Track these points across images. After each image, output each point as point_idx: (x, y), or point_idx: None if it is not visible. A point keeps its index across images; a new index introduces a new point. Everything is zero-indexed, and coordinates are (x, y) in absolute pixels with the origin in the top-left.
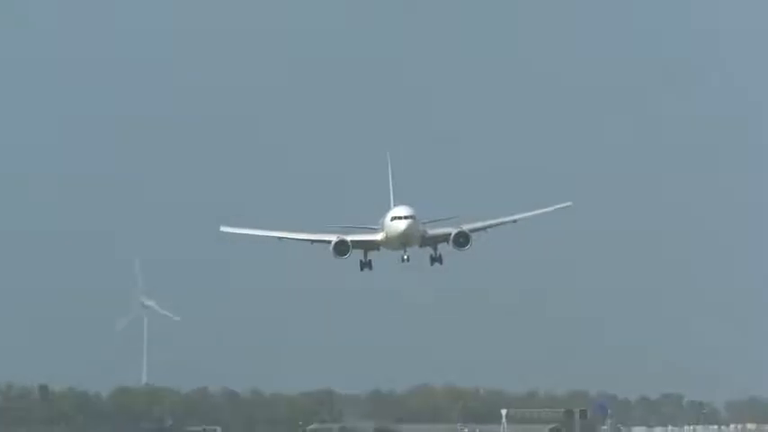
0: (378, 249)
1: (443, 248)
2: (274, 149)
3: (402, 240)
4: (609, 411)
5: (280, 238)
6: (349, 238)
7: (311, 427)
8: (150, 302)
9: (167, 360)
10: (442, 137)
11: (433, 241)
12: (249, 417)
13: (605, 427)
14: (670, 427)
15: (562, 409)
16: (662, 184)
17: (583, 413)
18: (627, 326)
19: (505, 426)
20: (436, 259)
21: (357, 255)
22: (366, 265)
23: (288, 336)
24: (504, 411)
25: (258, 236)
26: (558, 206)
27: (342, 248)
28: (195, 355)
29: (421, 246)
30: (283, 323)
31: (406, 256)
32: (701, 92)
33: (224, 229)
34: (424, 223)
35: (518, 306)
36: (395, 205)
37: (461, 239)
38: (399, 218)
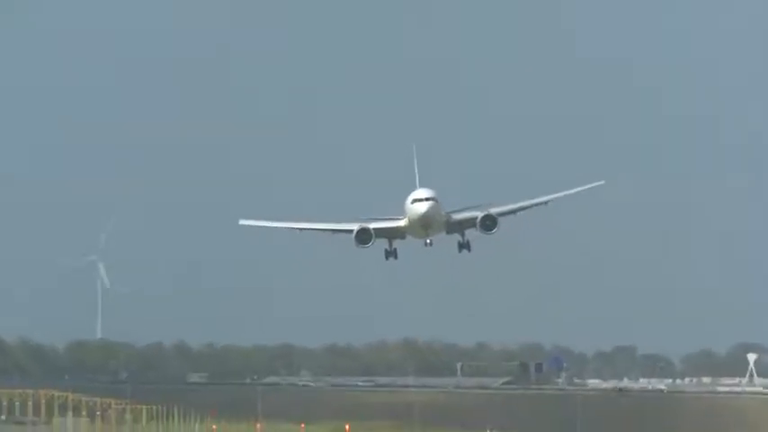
0: (403, 237)
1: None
2: (299, 140)
3: (424, 224)
4: (564, 365)
5: (300, 229)
6: (371, 225)
7: (267, 380)
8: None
9: (122, 315)
10: (468, 126)
11: (460, 227)
12: (204, 370)
13: (560, 380)
14: (625, 380)
15: (517, 362)
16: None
17: (538, 366)
18: (581, 279)
19: (461, 378)
20: (464, 246)
21: (381, 244)
22: (391, 253)
23: (245, 290)
24: (458, 365)
25: (278, 228)
26: (591, 185)
27: (364, 237)
28: (150, 310)
29: (448, 232)
30: (240, 277)
31: (429, 241)
32: None
33: (243, 222)
34: (451, 212)
35: (473, 259)
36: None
37: (488, 222)
38: (420, 200)
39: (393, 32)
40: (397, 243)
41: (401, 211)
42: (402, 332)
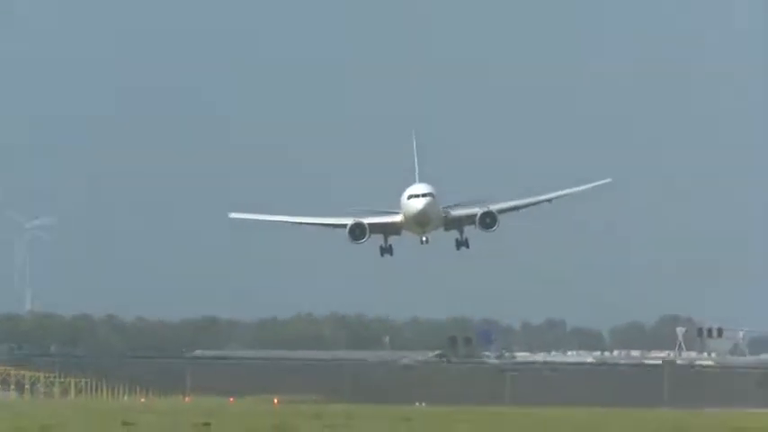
0: (399, 233)
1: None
2: (291, 133)
3: (421, 220)
4: (493, 337)
5: (293, 223)
6: (366, 220)
7: (195, 353)
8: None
9: (51, 287)
10: (470, 118)
11: (458, 223)
12: (132, 343)
13: (488, 353)
14: (553, 353)
15: (446, 336)
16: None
17: (467, 339)
18: (511, 253)
19: (389, 351)
20: (462, 243)
21: (377, 240)
22: (386, 250)
23: (172, 263)
24: (386, 338)
25: (270, 221)
26: (597, 183)
27: (358, 232)
28: (79, 283)
29: (446, 229)
30: (167, 250)
31: (424, 238)
32: None
33: (233, 215)
34: (449, 207)
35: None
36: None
37: (488, 220)
38: (416, 196)
39: (396, 24)
40: (392, 239)
41: (398, 205)
42: (331, 306)
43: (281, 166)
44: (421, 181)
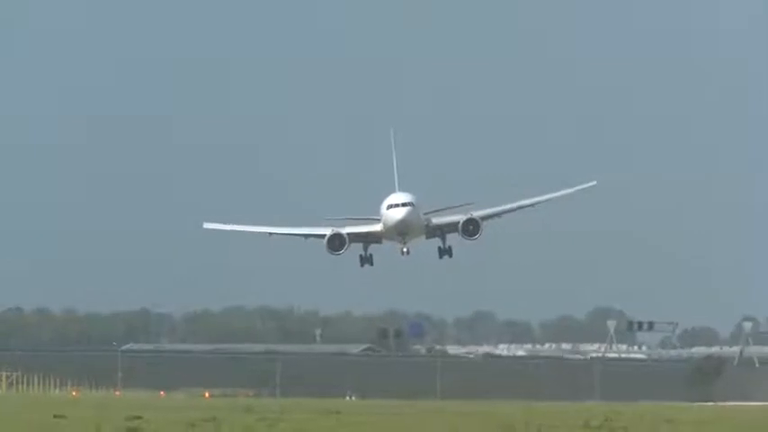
0: (379, 242)
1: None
2: (266, 137)
3: (401, 230)
4: (423, 331)
5: (270, 233)
6: (345, 230)
7: (126, 347)
8: None
9: None
10: (450, 120)
11: (441, 231)
12: (63, 336)
13: (419, 347)
14: (485, 346)
15: (376, 329)
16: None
17: (397, 332)
18: (434, 243)
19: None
20: (446, 251)
21: (357, 249)
22: (366, 260)
23: (104, 256)
24: (317, 331)
25: (245, 232)
26: (582, 186)
27: (337, 243)
28: (9, 276)
29: (427, 237)
30: (97, 242)
31: (405, 249)
32: None
33: (207, 225)
34: (431, 212)
35: None
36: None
37: (471, 227)
38: (396, 205)
39: (374, 27)
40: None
41: (378, 212)
42: (261, 299)
43: (249, 171)
44: (401, 185)
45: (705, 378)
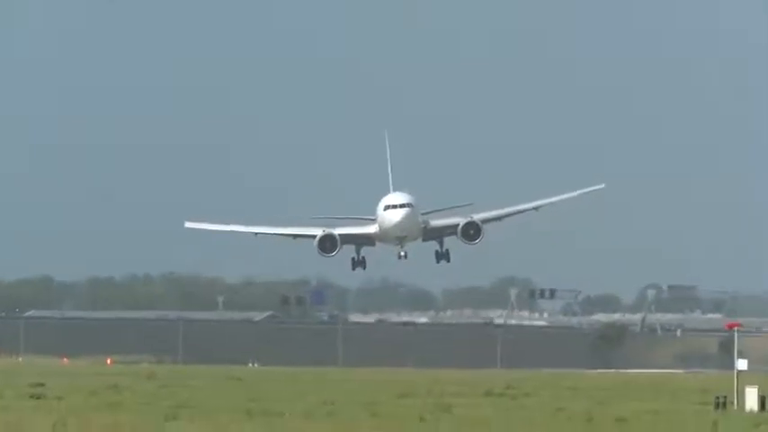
0: (373, 244)
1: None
2: (250, 130)
3: (398, 233)
4: (325, 298)
5: (255, 233)
6: (337, 231)
7: (29, 313)
8: None
9: None
10: (446, 117)
11: (439, 234)
12: None
13: (321, 314)
14: (387, 313)
15: (279, 296)
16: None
17: (299, 300)
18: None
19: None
20: (443, 255)
21: (349, 251)
22: (359, 263)
23: (7, 223)
24: (220, 299)
25: (228, 232)
26: (588, 189)
27: (328, 244)
28: None
29: (424, 239)
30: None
31: (403, 253)
32: None
33: (188, 224)
34: (429, 213)
35: None
36: (393, 191)
37: (471, 231)
38: (394, 206)
39: (373, 27)
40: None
41: (370, 212)
42: (165, 266)
43: (232, 169)
44: (395, 186)
45: (607, 345)
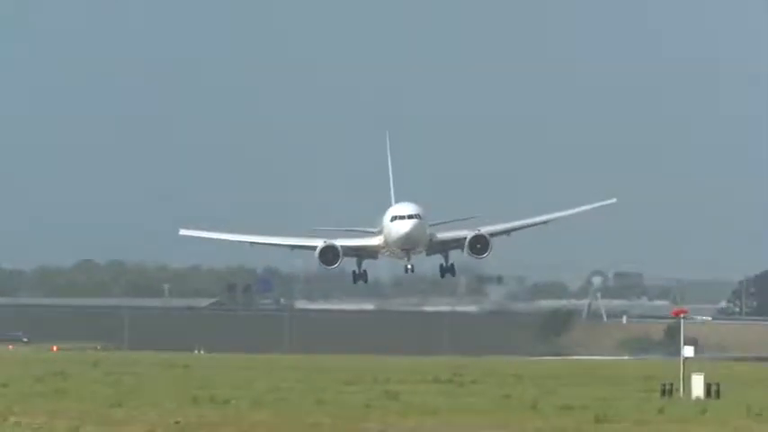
0: (375, 257)
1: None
2: (247, 138)
3: (405, 245)
4: (272, 285)
5: (252, 243)
6: (339, 242)
7: None
8: None
9: None
10: (450, 127)
11: (444, 247)
12: None
13: (268, 301)
14: (333, 300)
15: (225, 283)
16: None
17: (246, 287)
18: (291, 198)
19: (168, 299)
20: (448, 269)
21: (350, 264)
22: (360, 276)
23: None
24: (166, 286)
25: (225, 240)
26: (601, 203)
27: (330, 256)
28: None
29: (428, 253)
30: None
31: (409, 266)
32: None
33: (183, 232)
34: (433, 225)
35: None
36: (396, 202)
37: (479, 245)
38: (402, 217)
39: (373, 29)
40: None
41: (371, 222)
42: (112, 253)
43: (233, 173)
44: (396, 195)
45: (553, 331)
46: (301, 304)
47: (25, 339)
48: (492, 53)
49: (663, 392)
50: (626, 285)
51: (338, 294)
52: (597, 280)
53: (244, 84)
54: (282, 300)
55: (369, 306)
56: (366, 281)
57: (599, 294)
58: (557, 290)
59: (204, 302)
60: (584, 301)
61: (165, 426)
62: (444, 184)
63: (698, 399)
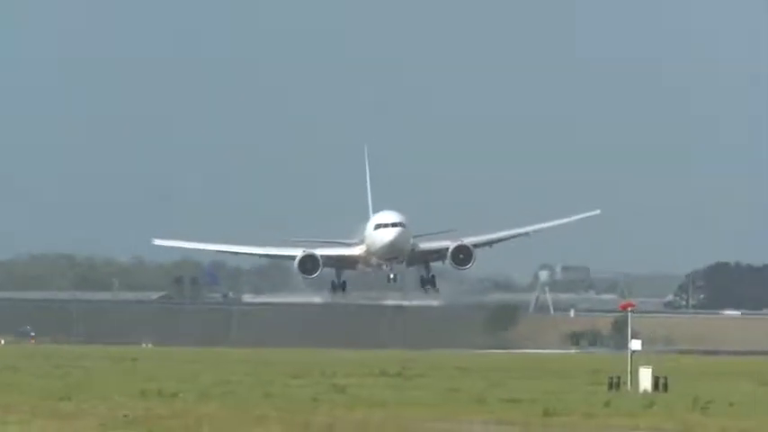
0: (354, 268)
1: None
2: (221, 144)
3: (389, 254)
4: (218, 279)
5: (231, 252)
6: (318, 252)
7: None
8: None
9: None
10: (430, 136)
11: (425, 257)
12: None
13: (216, 295)
14: (281, 294)
15: (172, 276)
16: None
17: (193, 280)
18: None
19: (117, 292)
20: (428, 281)
21: (328, 274)
22: (339, 286)
23: None
24: (115, 279)
25: (200, 251)
26: (583, 215)
27: (310, 265)
28: None
29: (409, 264)
30: None
31: (392, 276)
32: None
33: (158, 242)
34: (415, 237)
35: None
36: (374, 213)
37: (462, 255)
38: (386, 225)
39: (373, 29)
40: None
41: (348, 233)
42: (61, 246)
43: (210, 183)
44: (374, 206)
45: (500, 325)
46: (249, 298)
47: None
48: (482, 56)
49: (610, 386)
50: (573, 279)
51: (286, 287)
52: (544, 274)
53: (244, 83)
54: (231, 293)
55: (316, 299)
56: (344, 290)
57: (546, 288)
58: (504, 284)
59: (154, 296)
60: (532, 295)
61: (115, 419)
62: (424, 194)
63: (645, 392)
